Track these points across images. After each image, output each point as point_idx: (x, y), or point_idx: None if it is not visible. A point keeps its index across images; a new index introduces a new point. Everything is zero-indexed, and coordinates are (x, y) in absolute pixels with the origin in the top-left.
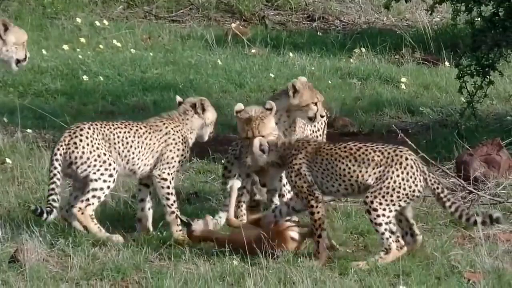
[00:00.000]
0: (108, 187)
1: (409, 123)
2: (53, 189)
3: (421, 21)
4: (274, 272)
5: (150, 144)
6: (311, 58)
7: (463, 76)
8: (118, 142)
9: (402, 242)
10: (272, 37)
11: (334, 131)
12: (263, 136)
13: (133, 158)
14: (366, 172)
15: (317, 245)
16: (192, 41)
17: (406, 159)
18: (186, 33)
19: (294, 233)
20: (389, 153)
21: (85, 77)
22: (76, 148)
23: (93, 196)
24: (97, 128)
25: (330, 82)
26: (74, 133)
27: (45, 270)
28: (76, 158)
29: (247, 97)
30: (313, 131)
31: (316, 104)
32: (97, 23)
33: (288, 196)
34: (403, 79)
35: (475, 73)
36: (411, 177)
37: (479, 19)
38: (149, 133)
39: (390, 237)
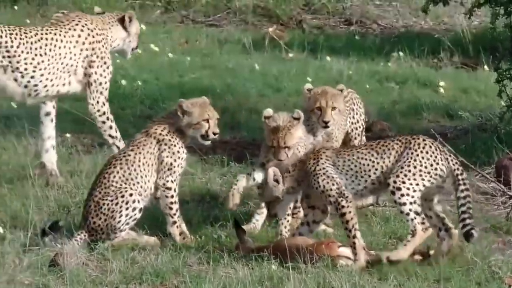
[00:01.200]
0: None
1: (448, 127)
2: None
3: (460, 25)
4: (313, 277)
5: None
6: (349, 62)
7: (503, 80)
8: None
9: (427, 224)
10: (310, 41)
11: (372, 135)
12: (288, 147)
13: None
14: (390, 161)
15: (354, 247)
16: (230, 45)
17: (424, 140)
18: (224, 37)
19: (344, 249)
20: (406, 138)
21: (123, 82)
22: None
23: None
24: None
25: (368, 86)
26: None
27: (85, 274)
28: None
29: (284, 102)
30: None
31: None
32: None
33: (301, 215)
34: (442, 83)
35: None
36: (431, 156)
37: None
38: None
39: (415, 218)
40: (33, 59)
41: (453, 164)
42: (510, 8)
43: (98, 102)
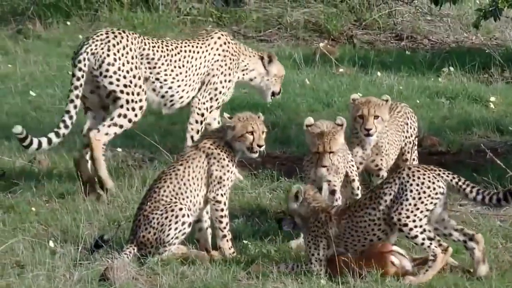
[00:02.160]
0: None
1: (498, 143)
2: None
3: (511, 40)
4: None
5: None
6: (399, 77)
7: None
8: None
9: (445, 244)
10: (360, 56)
11: (422, 150)
12: (333, 152)
13: None
14: (388, 208)
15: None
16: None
17: (410, 168)
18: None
19: (395, 259)
20: (393, 177)
21: None
22: None
23: None
24: None
25: (418, 101)
26: None
27: None
28: None
29: (335, 116)
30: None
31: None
32: None
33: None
34: (492, 98)
35: None
36: (424, 179)
37: None
38: None
39: (431, 244)
40: (172, 70)
41: (447, 176)
42: None
43: (204, 103)
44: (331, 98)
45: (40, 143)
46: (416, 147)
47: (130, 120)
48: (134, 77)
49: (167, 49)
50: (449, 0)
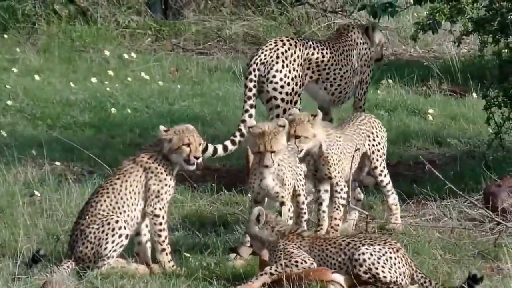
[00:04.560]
0: None
1: (437, 154)
2: None
3: (449, 53)
4: None
5: None
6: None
7: (491, 107)
8: None
9: None
10: None
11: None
12: (274, 152)
13: None
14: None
15: None
16: (220, 73)
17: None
18: (214, 65)
19: (338, 275)
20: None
21: (113, 110)
22: None
23: None
24: None
25: None
26: None
27: None
28: None
29: None
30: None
31: (188, 145)
32: (125, 55)
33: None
34: (431, 111)
35: (502, 104)
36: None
37: (506, 50)
38: None
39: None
40: (340, 69)
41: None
42: (498, 36)
43: (360, 99)
44: None
45: (215, 150)
46: (384, 157)
47: None
48: (296, 84)
49: (334, 50)
50: (387, 13)
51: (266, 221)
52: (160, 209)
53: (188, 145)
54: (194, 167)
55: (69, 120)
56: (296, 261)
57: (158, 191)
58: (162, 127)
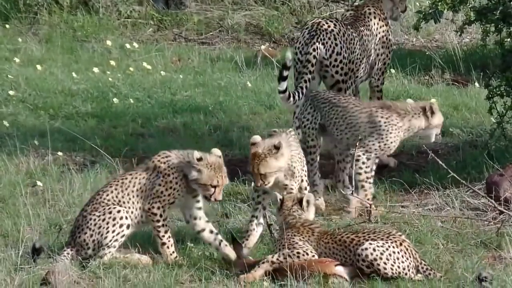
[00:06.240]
0: None
1: (439, 144)
2: None
3: (451, 42)
4: None
5: None
6: None
7: (493, 96)
8: None
9: None
10: None
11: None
12: (263, 174)
13: None
14: None
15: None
16: (222, 63)
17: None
18: (216, 55)
19: (340, 268)
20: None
21: (115, 100)
22: None
23: None
24: None
25: None
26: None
27: None
28: None
29: (276, 119)
30: None
31: (215, 187)
32: (127, 45)
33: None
34: (433, 100)
35: (505, 94)
36: (400, 252)
37: (508, 39)
38: None
39: None
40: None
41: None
42: (500, 25)
43: (379, 79)
44: (273, 101)
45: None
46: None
47: None
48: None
49: (372, 29)
50: None
51: (281, 208)
52: (158, 208)
53: (215, 187)
54: (209, 203)
55: (71, 110)
56: (298, 252)
57: (162, 192)
58: (196, 154)
